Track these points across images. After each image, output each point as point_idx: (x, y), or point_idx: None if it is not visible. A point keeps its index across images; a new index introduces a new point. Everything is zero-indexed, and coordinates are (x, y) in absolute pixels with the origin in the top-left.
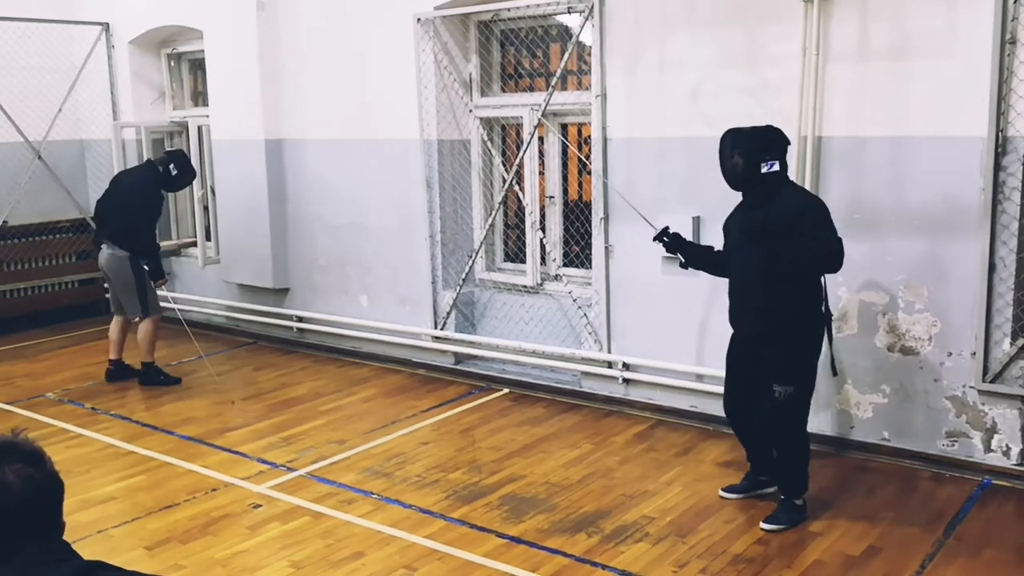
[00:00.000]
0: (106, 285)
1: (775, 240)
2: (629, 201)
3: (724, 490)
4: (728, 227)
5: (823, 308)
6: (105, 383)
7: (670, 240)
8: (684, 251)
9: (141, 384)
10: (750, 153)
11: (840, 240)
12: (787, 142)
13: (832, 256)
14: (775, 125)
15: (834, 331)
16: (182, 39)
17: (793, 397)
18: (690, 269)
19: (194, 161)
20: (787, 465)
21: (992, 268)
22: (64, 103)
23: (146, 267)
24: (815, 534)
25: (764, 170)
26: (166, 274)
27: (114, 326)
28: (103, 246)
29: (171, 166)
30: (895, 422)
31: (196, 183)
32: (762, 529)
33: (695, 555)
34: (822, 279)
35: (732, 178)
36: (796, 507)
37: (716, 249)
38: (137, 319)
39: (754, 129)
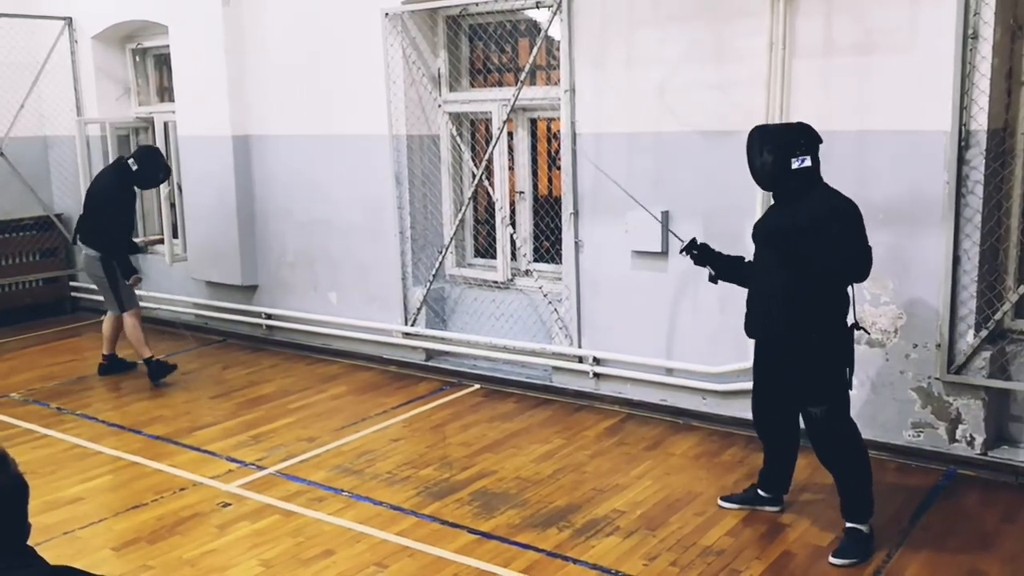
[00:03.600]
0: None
1: (800, 245)
2: (657, 216)
3: (722, 499)
4: (756, 232)
5: (851, 318)
6: (94, 379)
7: (699, 252)
8: (713, 263)
9: (153, 384)
10: (780, 148)
11: (869, 248)
12: (819, 139)
13: (857, 264)
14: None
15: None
16: (147, 34)
17: (830, 415)
18: (720, 283)
19: None
20: (843, 486)
21: (956, 261)
22: (27, 99)
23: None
24: (784, 525)
25: (795, 166)
26: (138, 271)
27: (106, 322)
28: (80, 246)
29: (130, 161)
30: (862, 413)
31: None
32: (832, 564)
33: (665, 548)
34: (849, 289)
35: (761, 176)
36: (863, 535)
37: (747, 260)
38: (117, 315)
39: (784, 125)
